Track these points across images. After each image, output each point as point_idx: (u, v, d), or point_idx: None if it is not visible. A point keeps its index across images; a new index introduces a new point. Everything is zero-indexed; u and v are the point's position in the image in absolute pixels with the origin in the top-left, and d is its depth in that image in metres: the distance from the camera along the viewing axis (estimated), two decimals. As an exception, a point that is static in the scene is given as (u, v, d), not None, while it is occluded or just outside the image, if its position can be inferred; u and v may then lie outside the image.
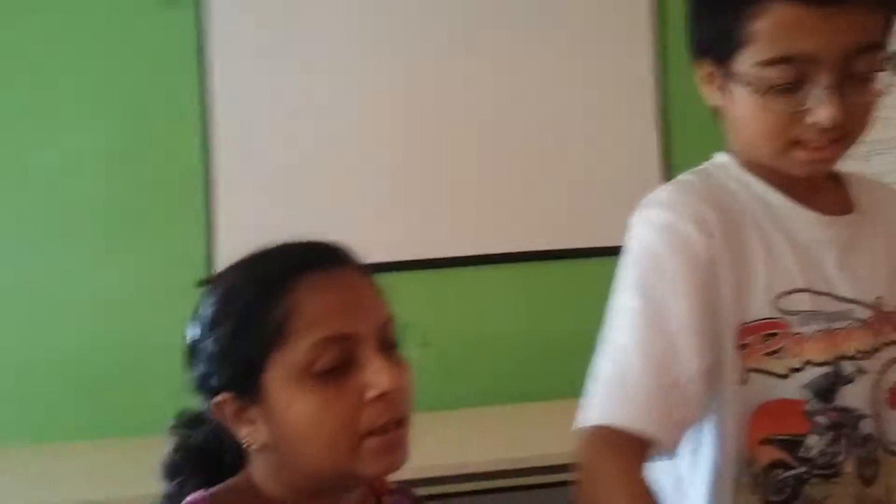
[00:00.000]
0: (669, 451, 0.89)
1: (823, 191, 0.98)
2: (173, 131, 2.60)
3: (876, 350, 0.94)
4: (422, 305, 2.57)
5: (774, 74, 0.86)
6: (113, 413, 2.46)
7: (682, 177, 1.01)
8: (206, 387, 0.82)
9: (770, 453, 0.92)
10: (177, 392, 0.88)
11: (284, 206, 2.56)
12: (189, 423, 0.90)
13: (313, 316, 0.78)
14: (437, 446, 2.12)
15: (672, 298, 0.90)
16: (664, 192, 0.97)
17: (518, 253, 2.61)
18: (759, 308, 0.91)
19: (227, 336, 0.80)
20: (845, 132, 0.89)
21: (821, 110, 0.84)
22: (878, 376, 0.94)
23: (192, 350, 0.84)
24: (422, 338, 2.52)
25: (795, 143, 0.89)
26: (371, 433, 0.78)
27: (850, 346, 0.92)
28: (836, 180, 1.03)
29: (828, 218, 0.96)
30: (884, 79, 0.87)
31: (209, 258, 2.56)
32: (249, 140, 2.61)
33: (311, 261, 0.83)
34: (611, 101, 2.70)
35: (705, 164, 1.03)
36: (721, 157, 1.01)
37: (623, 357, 0.90)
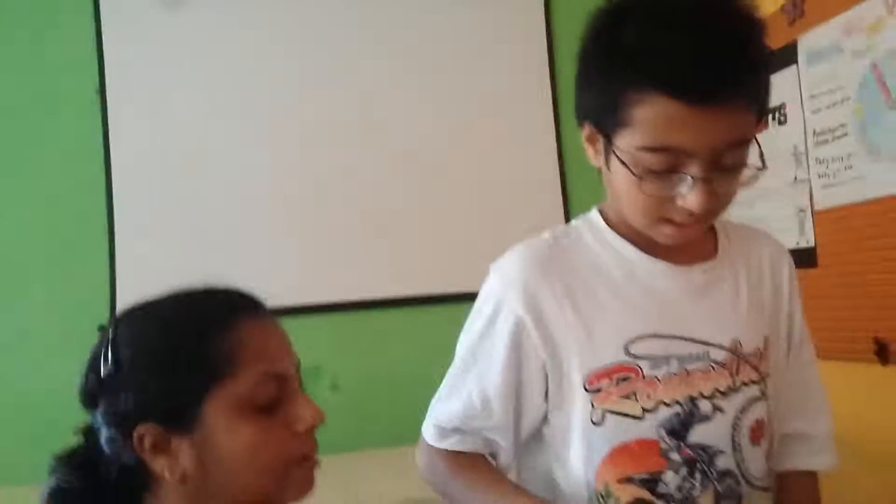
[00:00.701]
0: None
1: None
2: (75, 174, 2.55)
3: (734, 390, 0.99)
4: (330, 349, 2.56)
5: (650, 160, 0.89)
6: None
7: (540, 237, 1.07)
8: (122, 420, 0.82)
9: (631, 491, 0.97)
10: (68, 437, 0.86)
11: (186, 251, 2.54)
12: (67, 464, 0.86)
13: (256, 353, 0.85)
14: (345, 489, 2.12)
15: (488, 357, 1.03)
16: (508, 255, 1.06)
17: (423, 296, 2.64)
18: (610, 354, 0.98)
19: (167, 367, 0.83)
20: (712, 213, 0.95)
21: (691, 198, 0.89)
22: (739, 415, 0.99)
23: (107, 383, 0.83)
24: (331, 381, 2.54)
25: (664, 220, 0.95)
26: (297, 462, 0.85)
27: (707, 386, 0.98)
28: (708, 228, 1.09)
29: (682, 267, 1.02)
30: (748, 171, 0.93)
31: (112, 302, 2.50)
32: (151, 185, 2.59)
33: (245, 305, 0.89)
34: (511, 151, 2.79)
35: (577, 219, 1.10)
36: (593, 213, 1.08)
37: (447, 395, 1.09)
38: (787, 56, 2.23)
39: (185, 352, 0.83)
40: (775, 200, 2.31)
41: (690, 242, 1.02)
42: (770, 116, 2.32)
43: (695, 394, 0.97)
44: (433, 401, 1.11)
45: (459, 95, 2.76)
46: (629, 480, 0.97)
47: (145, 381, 0.82)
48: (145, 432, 0.81)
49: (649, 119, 0.88)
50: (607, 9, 0.94)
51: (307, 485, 0.87)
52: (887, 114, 1.87)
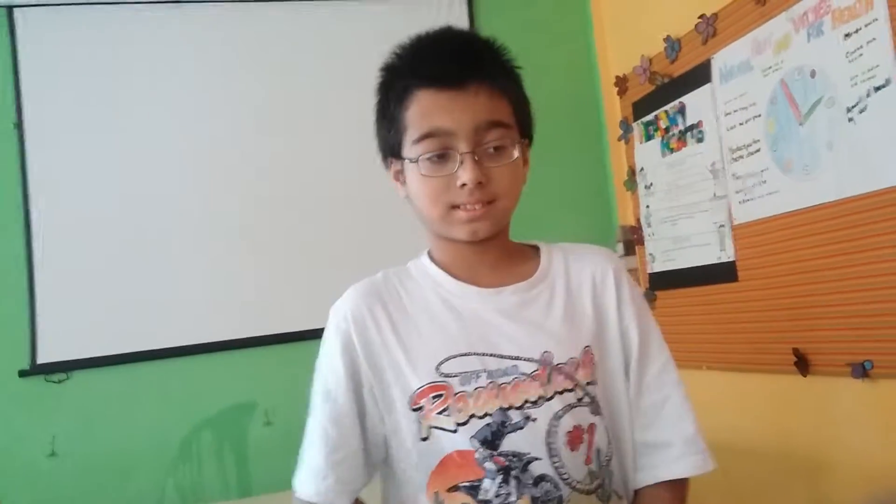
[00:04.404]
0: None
1: (503, 267, 1.15)
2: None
3: (546, 399, 1.07)
4: (263, 385, 2.53)
5: (425, 147, 1.06)
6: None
7: (373, 276, 1.18)
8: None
9: (459, 498, 1.05)
10: None
11: (114, 287, 2.49)
12: None
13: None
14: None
15: (336, 388, 1.11)
16: (345, 294, 1.16)
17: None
18: (426, 375, 1.07)
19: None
20: (492, 195, 1.07)
21: (462, 172, 1.04)
22: (553, 422, 1.06)
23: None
24: (264, 417, 2.49)
25: (454, 207, 1.07)
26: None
27: (518, 397, 1.06)
28: (533, 253, 1.20)
29: (492, 290, 1.12)
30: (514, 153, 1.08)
31: (33, 346, 2.43)
32: (70, 227, 2.54)
33: None
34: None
35: (410, 261, 1.20)
36: (423, 254, 1.19)
37: (310, 436, 1.12)
38: (702, 74, 2.28)
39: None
40: (696, 217, 2.37)
41: (506, 268, 1.14)
42: (688, 134, 2.39)
43: (506, 405, 1.06)
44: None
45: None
46: (456, 488, 1.05)
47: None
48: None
49: (417, 113, 1.07)
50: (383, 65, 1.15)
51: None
52: (797, 129, 1.93)
